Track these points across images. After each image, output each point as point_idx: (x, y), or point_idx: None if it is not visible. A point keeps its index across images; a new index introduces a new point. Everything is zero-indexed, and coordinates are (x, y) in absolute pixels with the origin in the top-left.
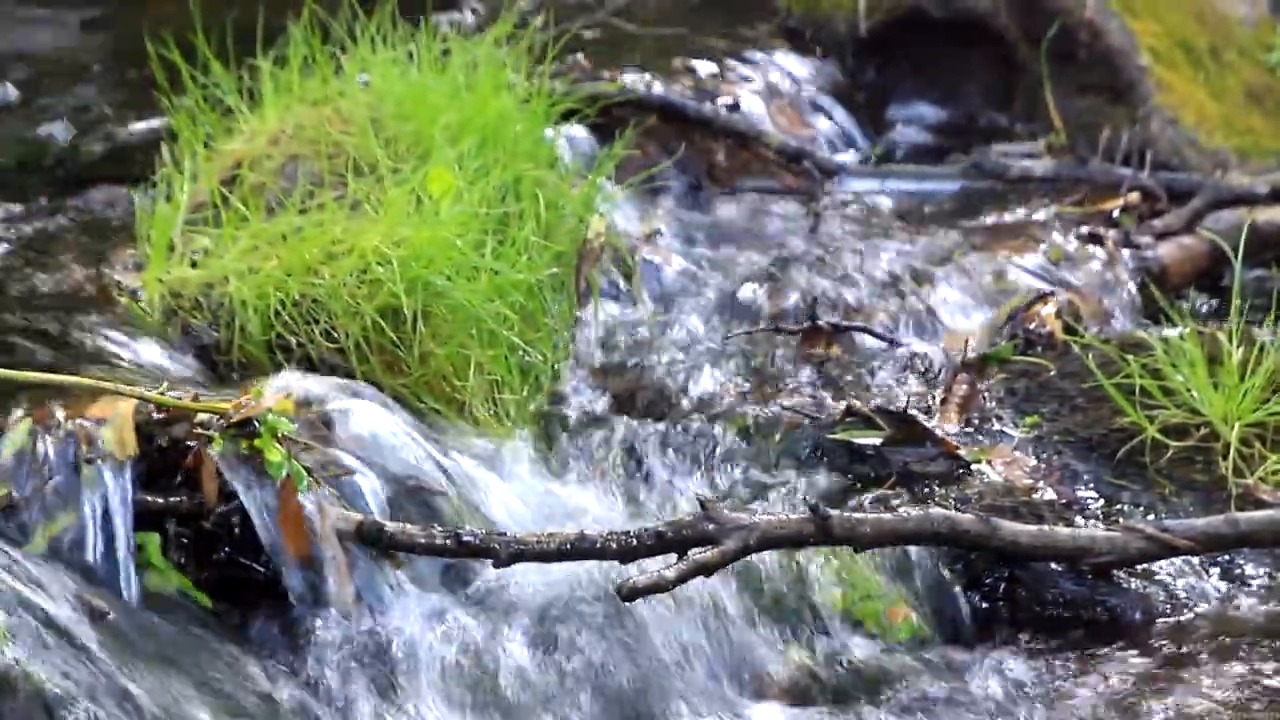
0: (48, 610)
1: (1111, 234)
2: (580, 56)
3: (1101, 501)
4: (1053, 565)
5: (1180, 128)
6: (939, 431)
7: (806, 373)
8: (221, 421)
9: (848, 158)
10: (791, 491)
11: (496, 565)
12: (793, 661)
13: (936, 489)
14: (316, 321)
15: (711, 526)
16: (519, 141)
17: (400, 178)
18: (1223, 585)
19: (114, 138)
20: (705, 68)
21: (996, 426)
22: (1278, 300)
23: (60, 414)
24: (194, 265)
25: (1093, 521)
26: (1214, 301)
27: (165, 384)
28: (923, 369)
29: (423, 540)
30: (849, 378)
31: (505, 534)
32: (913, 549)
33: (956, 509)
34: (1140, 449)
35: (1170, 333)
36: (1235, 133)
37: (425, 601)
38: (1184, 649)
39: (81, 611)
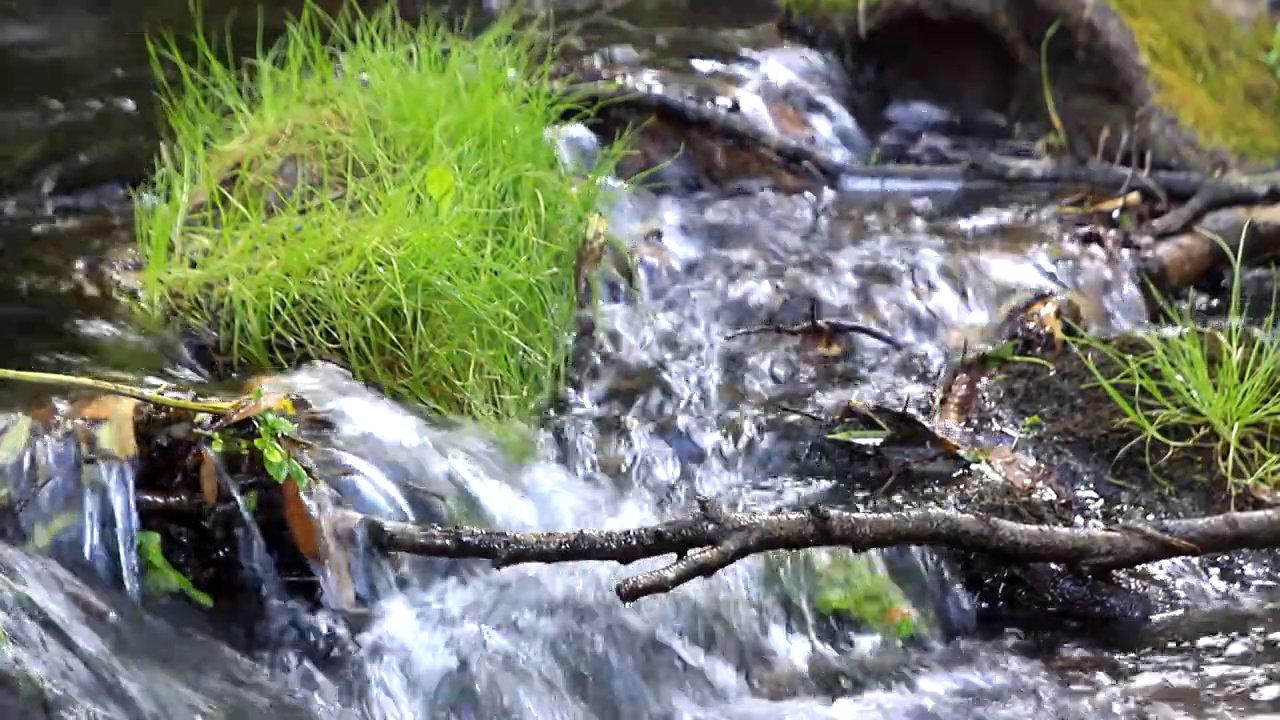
0: (48, 610)
1: (1111, 234)
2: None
3: (1101, 501)
4: (1052, 565)
5: (1179, 128)
6: (939, 431)
7: (806, 373)
8: (221, 421)
9: (847, 158)
10: (792, 491)
11: (496, 565)
12: (792, 660)
13: (936, 489)
14: (316, 322)
15: (711, 526)
16: (518, 142)
17: (399, 178)
18: (1223, 585)
19: (114, 138)
20: (705, 68)
21: (996, 426)
22: (1278, 300)
23: (60, 414)
24: (194, 265)
25: (1093, 521)
26: (1214, 301)
27: (165, 384)
28: (923, 369)
29: (422, 540)
30: (849, 378)
31: (505, 534)
32: (912, 548)
33: (956, 509)
34: (1140, 449)
35: (1170, 333)
36: (1234, 133)
37: (424, 601)
38: (1183, 649)
39: (81, 611)
